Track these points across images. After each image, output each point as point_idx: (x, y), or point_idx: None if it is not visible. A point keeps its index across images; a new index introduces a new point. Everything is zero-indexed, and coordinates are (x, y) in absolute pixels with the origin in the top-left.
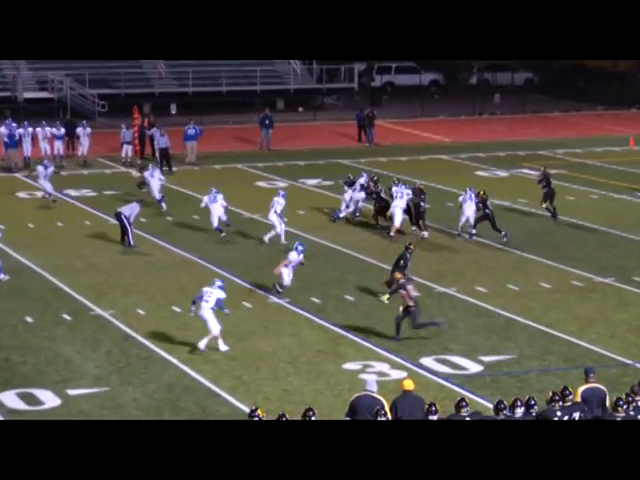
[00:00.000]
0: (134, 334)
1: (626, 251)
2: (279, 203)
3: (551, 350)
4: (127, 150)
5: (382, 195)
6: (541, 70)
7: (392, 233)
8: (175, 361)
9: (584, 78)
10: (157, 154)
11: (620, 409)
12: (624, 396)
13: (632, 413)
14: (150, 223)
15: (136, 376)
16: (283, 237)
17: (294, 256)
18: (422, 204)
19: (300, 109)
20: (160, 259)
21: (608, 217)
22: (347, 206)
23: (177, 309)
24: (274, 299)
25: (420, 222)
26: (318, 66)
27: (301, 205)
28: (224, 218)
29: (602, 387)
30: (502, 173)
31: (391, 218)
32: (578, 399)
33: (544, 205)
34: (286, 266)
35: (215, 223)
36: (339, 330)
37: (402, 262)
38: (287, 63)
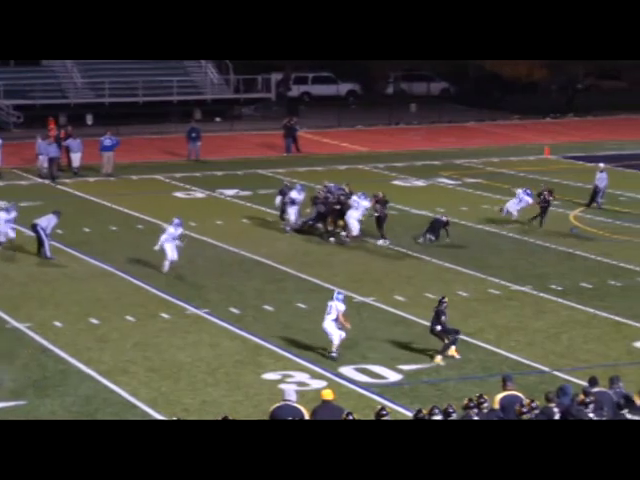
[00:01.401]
0: (51, 346)
1: (543, 259)
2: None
3: (469, 358)
4: (43, 161)
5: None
6: (457, 80)
7: (347, 237)
8: (93, 373)
9: (499, 88)
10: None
11: (525, 416)
12: (527, 402)
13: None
14: (67, 234)
15: (53, 389)
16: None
17: (341, 307)
18: (379, 214)
19: (217, 119)
20: (77, 271)
21: (525, 226)
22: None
23: (94, 321)
24: (192, 310)
25: (379, 230)
26: (235, 76)
27: (219, 215)
28: (175, 258)
29: (520, 394)
30: (419, 182)
31: (344, 227)
32: (496, 406)
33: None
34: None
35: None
36: (258, 340)
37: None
38: (204, 73)
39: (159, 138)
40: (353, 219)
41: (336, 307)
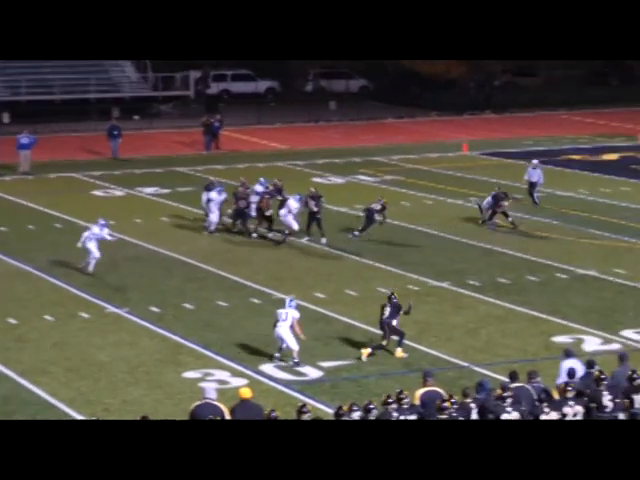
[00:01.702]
0: None
1: (461, 255)
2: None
3: (390, 354)
4: None
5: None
6: (375, 77)
7: (287, 234)
8: (11, 374)
9: (418, 85)
10: None
11: (444, 412)
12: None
13: (455, 414)
14: None
15: None
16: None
17: (296, 314)
18: (316, 209)
19: (136, 117)
20: None
21: (443, 222)
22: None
23: (12, 321)
24: (112, 309)
25: (318, 228)
26: (153, 74)
27: (139, 214)
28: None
29: (440, 390)
30: (339, 179)
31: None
32: (417, 402)
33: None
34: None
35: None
36: (178, 339)
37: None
38: (122, 71)
39: (77, 136)
40: (290, 216)
41: (291, 315)
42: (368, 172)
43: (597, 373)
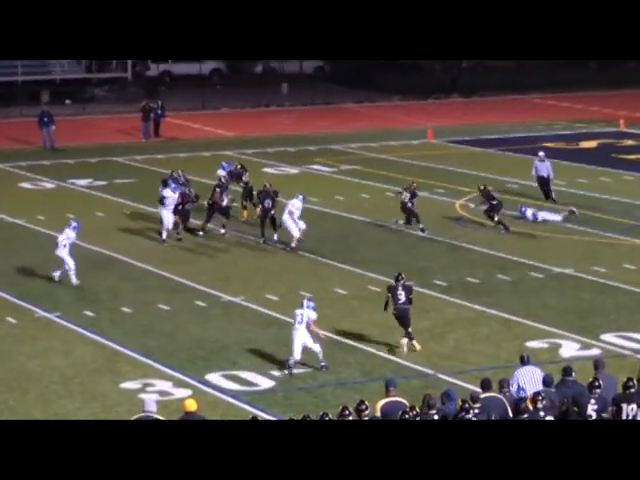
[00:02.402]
0: None
1: (425, 253)
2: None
3: (347, 361)
4: None
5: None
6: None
7: (294, 244)
8: None
9: (380, 67)
10: None
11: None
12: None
13: None
14: None
15: None
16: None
17: (313, 315)
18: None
19: (67, 102)
20: None
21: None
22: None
23: None
24: (42, 313)
25: (272, 226)
26: None
27: (71, 208)
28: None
29: (403, 400)
30: (292, 170)
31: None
32: (378, 414)
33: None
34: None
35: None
36: (116, 346)
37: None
38: None
39: (2, 123)
40: (289, 220)
41: (308, 315)
42: (324, 161)
43: (591, 380)
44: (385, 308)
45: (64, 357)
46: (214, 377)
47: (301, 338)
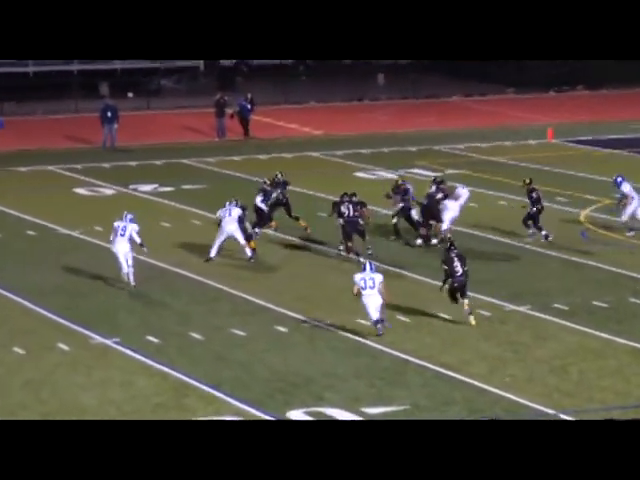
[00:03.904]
0: None
1: (544, 272)
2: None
3: (453, 398)
4: None
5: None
6: None
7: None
8: None
9: None
10: None
11: None
12: None
13: None
14: None
15: None
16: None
17: (379, 277)
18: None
19: (130, 95)
20: None
21: (521, 229)
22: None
23: None
24: (98, 339)
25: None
26: None
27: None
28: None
29: None
30: (388, 175)
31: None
32: None
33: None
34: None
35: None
36: (184, 377)
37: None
38: None
39: (56, 118)
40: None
41: (377, 279)
42: (426, 164)
43: None
44: (444, 283)
45: (123, 390)
46: (297, 414)
47: (375, 302)
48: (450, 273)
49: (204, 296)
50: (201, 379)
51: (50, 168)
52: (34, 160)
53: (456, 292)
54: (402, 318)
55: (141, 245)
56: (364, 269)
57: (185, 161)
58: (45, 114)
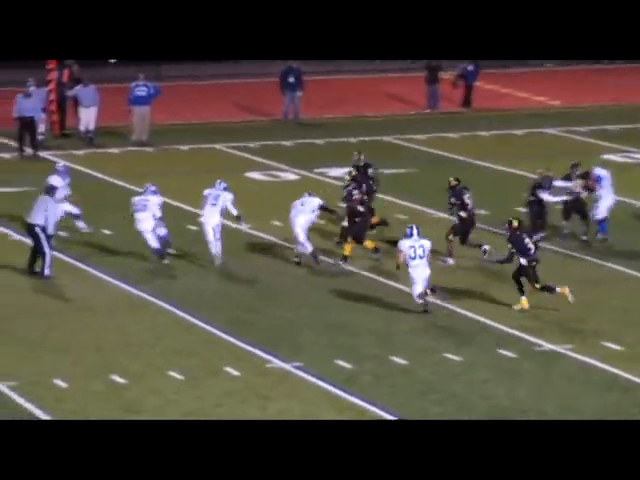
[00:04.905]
0: (44, 416)
1: None
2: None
3: None
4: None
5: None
6: None
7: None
8: None
9: None
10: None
11: None
12: None
13: None
14: (75, 238)
15: None
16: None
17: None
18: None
19: None
20: (93, 298)
21: None
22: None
23: (119, 379)
24: (276, 362)
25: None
26: None
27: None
28: (163, 233)
29: None
30: None
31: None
32: None
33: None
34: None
35: (153, 242)
36: (381, 412)
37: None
38: None
39: (224, 84)
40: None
41: (426, 246)
42: None
43: None
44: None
45: None
46: None
47: (424, 273)
48: (521, 251)
49: (404, 309)
50: (404, 415)
51: (217, 147)
52: (198, 137)
53: (527, 272)
54: None
55: (237, 218)
56: (410, 234)
57: (387, 138)
58: (212, 79)
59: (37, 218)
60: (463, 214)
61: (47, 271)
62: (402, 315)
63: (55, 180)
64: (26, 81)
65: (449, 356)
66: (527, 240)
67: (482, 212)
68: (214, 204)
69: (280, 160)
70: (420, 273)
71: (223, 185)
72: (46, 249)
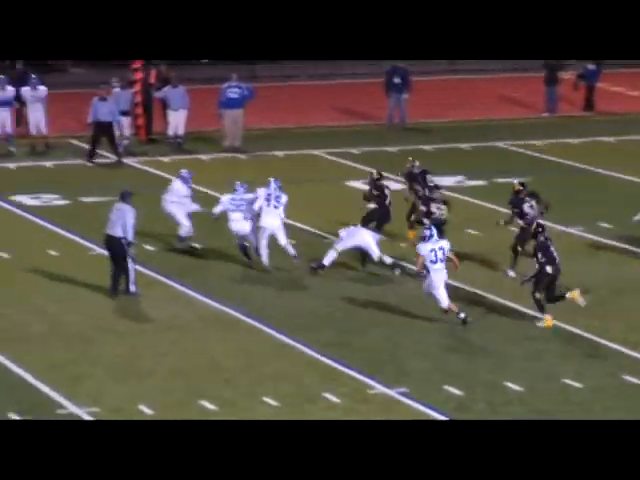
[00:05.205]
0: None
1: None
2: None
3: None
4: (121, 125)
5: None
6: None
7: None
8: None
9: None
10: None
11: None
12: None
13: None
14: (161, 253)
15: None
16: None
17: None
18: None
19: None
20: (180, 316)
21: None
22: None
23: (208, 405)
24: (378, 387)
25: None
26: None
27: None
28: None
29: None
30: None
31: None
32: None
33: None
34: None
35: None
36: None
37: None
38: None
39: (323, 85)
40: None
41: (446, 248)
42: None
43: None
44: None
45: None
46: None
47: (444, 277)
48: (548, 260)
49: (522, 331)
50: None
51: (316, 152)
52: (294, 142)
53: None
54: None
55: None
56: (430, 237)
57: (500, 144)
58: (310, 79)
59: (116, 229)
60: (521, 223)
61: (132, 287)
62: (517, 337)
63: (178, 186)
64: (108, 82)
65: (570, 382)
66: (552, 248)
67: (605, 225)
68: (276, 206)
69: (384, 167)
70: (442, 277)
71: (279, 184)
72: (129, 264)
